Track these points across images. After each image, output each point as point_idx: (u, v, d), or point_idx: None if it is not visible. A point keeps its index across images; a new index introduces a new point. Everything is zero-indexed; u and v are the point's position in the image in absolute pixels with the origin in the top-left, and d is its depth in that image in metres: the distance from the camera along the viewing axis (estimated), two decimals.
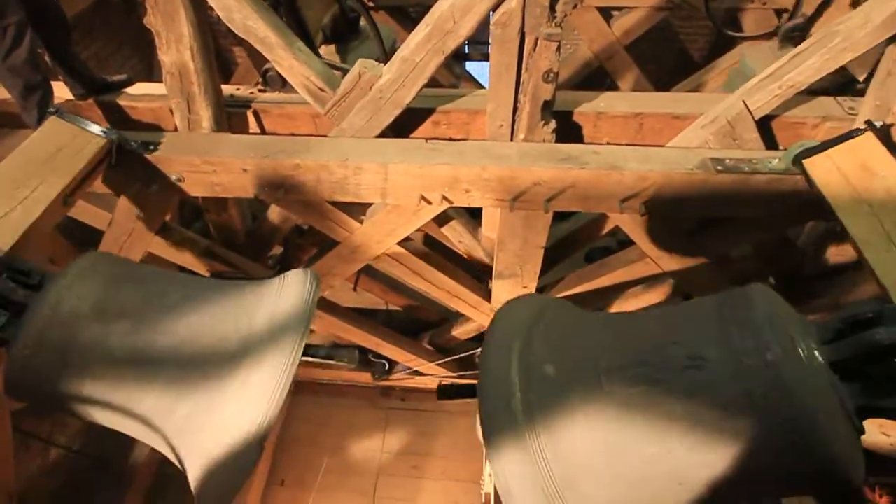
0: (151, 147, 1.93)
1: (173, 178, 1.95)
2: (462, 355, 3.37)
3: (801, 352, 1.14)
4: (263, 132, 2.26)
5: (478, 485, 3.90)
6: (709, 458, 1.21)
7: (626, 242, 2.78)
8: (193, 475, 1.37)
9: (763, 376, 1.11)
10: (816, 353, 1.17)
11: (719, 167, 1.78)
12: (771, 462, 1.15)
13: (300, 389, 4.76)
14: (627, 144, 2.03)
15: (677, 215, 1.99)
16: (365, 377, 3.84)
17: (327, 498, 4.20)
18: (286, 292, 1.50)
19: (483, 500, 3.51)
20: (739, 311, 1.24)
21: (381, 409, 4.74)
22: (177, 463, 1.43)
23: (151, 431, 1.44)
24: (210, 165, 1.90)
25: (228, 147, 1.91)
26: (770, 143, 2.05)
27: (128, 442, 4.13)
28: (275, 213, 2.57)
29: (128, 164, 1.94)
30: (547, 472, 1.31)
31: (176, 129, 2.09)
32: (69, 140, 1.80)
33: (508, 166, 1.83)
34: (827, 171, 1.67)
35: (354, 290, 3.28)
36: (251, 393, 1.31)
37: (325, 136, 2.07)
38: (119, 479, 4.14)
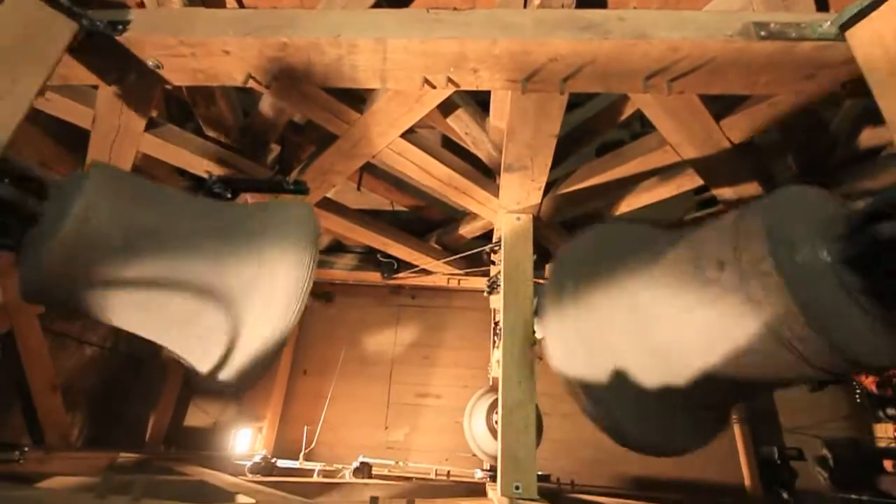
0: (120, 27, 1.72)
1: (150, 63, 1.77)
2: (470, 253, 3.39)
3: (798, 257, 1.20)
4: (241, 5, 2.00)
5: (485, 371, 4.19)
6: (717, 359, 1.34)
7: (641, 135, 2.61)
8: (213, 367, 1.48)
9: (762, 284, 1.20)
10: (825, 252, 1.20)
11: (762, 33, 1.56)
12: (774, 359, 1.26)
13: (315, 290, 4.93)
14: (658, 9, 1.77)
15: (708, 94, 1.81)
16: (375, 276, 3.92)
17: (347, 383, 4.57)
18: (293, 219, 1.65)
19: (490, 383, 3.79)
20: (749, 223, 1.31)
21: (392, 307, 4.94)
22: (194, 361, 1.53)
23: (178, 336, 1.54)
24: (187, 47, 1.70)
25: (204, 23, 1.69)
26: (821, 4, 1.79)
27: None
28: (267, 105, 2.40)
29: (99, 49, 1.75)
30: (580, 334, 1.68)
31: (143, 6, 1.85)
32: (35, 23, 1.61)
33: (521, 39, 1.62)
34: (870, 40, 1.47)
35: (358, 189, 3.19)
36: (274, 307, 1.46)
37: (312, 8, 1.83)
38: (152, 374, 4.50)
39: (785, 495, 2.89)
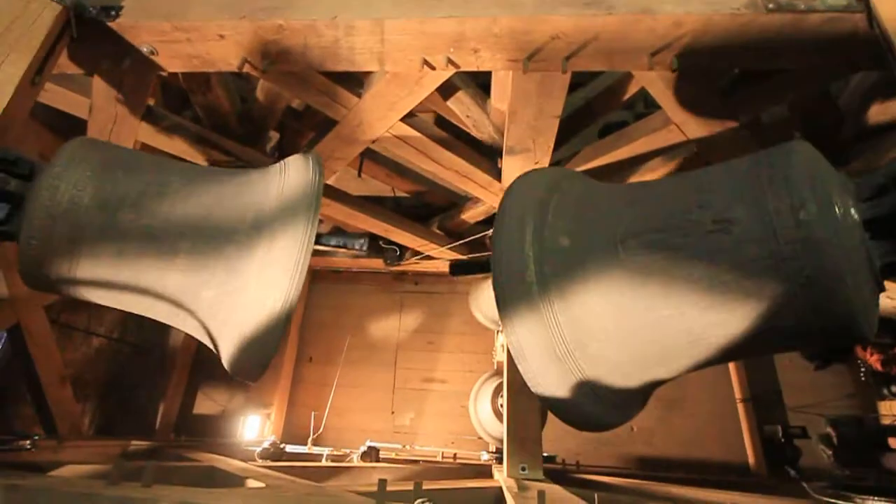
0: (112, 13, 1.69)
1: (144, 50, 1.74)
2: (473, 238, 3.38)
3: (836, 210, 1.09)
4: None
5: (490, 355, 4.21)
6: (724, 317, 1.21)
7: (644, 115, 2.57)
8: (226, 352, 1.43)
9: (793, 236, 1.07)
10: (853, 210, 1.11)
11: (770, 5, 1.52)
12: (787, 321, 1.15)
13: (318, 278, 4.95)
14: None
15: (714, 69, 1.77)
16: (378, 263, 3.92)
17: (353, 370, 4.61)
18: (291, 175, 1.47)
19: (495, 367, 3.81)
20: (776, 169, 1.17)
21: (396, 293, 4.95)
22: (208, 342, 1.49)
23: (179, 314, 1.48)
24: (182, 32, 1.67)
25: (198, 7, 1.65)
26: None
27: (165, 328, 4.44)
28: (264, 91, 2.36)
29: (92, 36, 1.72)
30: (559, 335, 1.35)
31: None
32: (21, 9, 1.58)
33: (522, 16, 1.58)
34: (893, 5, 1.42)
35: (359, 175, 3.17)
36: (273, 272, 1.32)
37: None
38: (161, 363, 4.54)
39: (790, 473, 2.91)
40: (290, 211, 1.38)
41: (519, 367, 1.38)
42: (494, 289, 1.44)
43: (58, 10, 1.62)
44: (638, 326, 1.31)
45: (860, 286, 1.10)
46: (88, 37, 1.71)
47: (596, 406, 1.40)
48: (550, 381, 1.37)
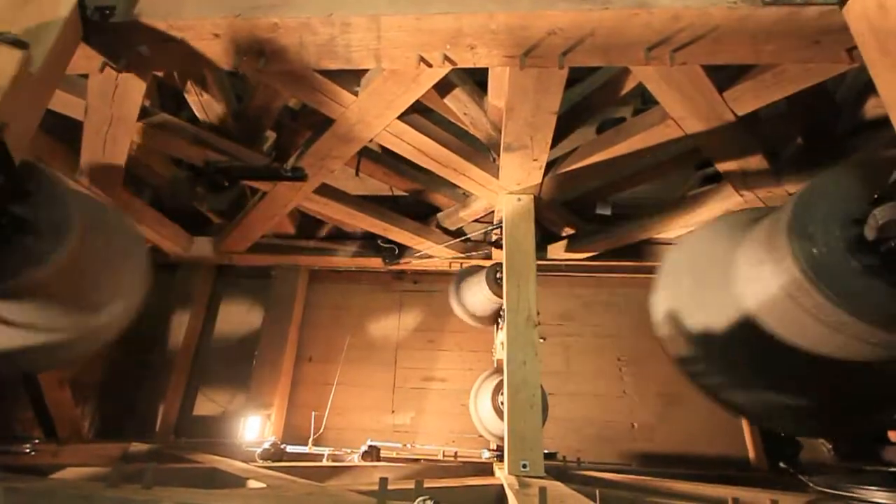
0: (107, 12, 1.68)
1: (140, 49, 1.73)
2: (471, 236, 3.37)
3: (815, 249, 1.20)
4: None
5: (490, 353, 4.21)
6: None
7: (642, 111, 2.57)
8: None
9: (788, 281, 1.24)
10: (841, 238, 1.20)
11: None
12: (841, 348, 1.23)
13: (317, 278, 4.93)
14: None
15: (711, 64, 1.77)
16: (377, 262, 3.92)
17: (353, 369, 4.60)
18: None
19: (495, 365, 3.80)
20: (776, 221, 1.32)
21: (395, 292, 4.93)
22: None
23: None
24: (177, 31, 1.66)
25: (192, 6, 1.65)
26: None
27: (163, 330, 4.43)
28: (260, 90, 2.35)
29: (87, 36, 1.71)
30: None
31: None
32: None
33: (518, 12, 1.57)
34: (861, 13, 1.43)
35: (357, 174, 3.16)
36: None
37: None
38: (159, 365, 4.53)
39: (789, 467, 2.92)
40: None
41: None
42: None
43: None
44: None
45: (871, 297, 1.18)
46: (84, 37, 1.70)
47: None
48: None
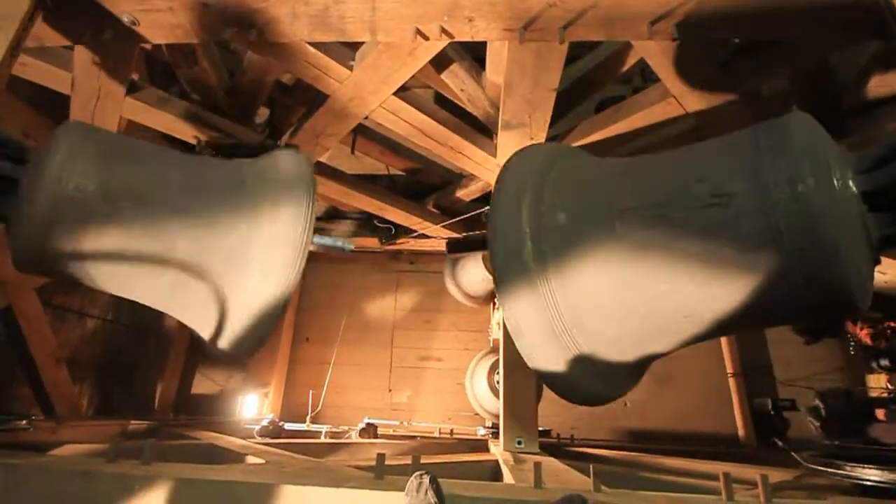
0: None
1: (125, 20, 1.67)
2: (468, 216, 3.35)
3: (835, 182, 1.08)
4: None
5: (486, 333, 4.24)
6: (720, 291, 1.21)
7: (642, 89, 2.52)
8: (225, 333, 1.45)
9: (791, 208, 1.06)
10: (851, 182, 1.10)
11: None
12: (783, 294, 1.15)
13: (313, 258, 4.91)
14: None
15: (714, 39, 1.72)
16: (373, 242, 3.90)
17: (350, 348, 4.63)
18: (283, 167, 1.54)
19: (491, 345, 3.83)
20: (775, 141, 1.15)
21: (392, 273, 4.94)
22: (201, 328, 1.49)
23: (176, 303, 1.49)
24: (164, 0, 1.60)
25: None
26: None
27: (159, 311, 4.42)
28: (253, 64, 2.29)
29: (71, 6, 1.65)
30: (556, 312, 1.35)
31: None
32: None
33: None
34: None
35: (353, 152, 3.11)
36: (274, 268, 1.40)
37: None
38: (157, 344, 4.54)
39: (782, 444, 2.98)
40: (286, 207, 1.44)
41: (516, 343, 1.39)
42: (492, 265, 1.44)
43: None
44: (635, 302, 1.31)
45: (855, 258, 1.10)
46: (67, 7, 1.64)
47: (593, 381, 1.42)
48: (548, 357, 1.38)
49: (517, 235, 1.37)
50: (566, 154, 1.61)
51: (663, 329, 1.35)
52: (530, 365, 1.42)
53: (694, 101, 2.11)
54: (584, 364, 1.38)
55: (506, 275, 1.38)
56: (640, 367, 1.52)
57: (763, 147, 1.16)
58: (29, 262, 1.36)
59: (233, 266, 1.39)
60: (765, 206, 1.09)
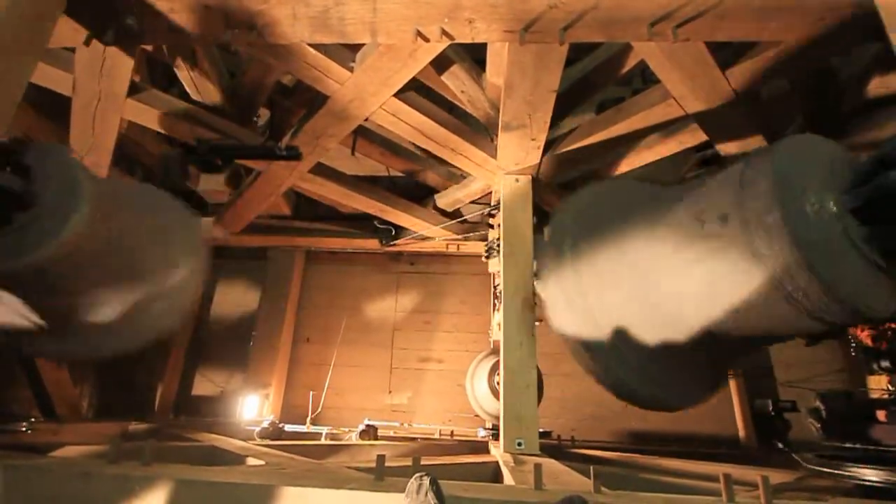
0: None
1: (127, 21, 1.67)
2: (468, 217, 3.35)
3: (807, 208, 1.17)
4: None
5: (486, 334, 4.23)
6: (723, 312, 1.32)
7: (642, 91, 2.52)
8: None
9: (767, 236, 1.17)
10: (831, 203, 1.17)
11: None
12: (777, 312, 1.25)
13: (314, 259, 4.91)
14: None
15: (714, 40, 1.73)
16: (374, 244, 3.90)
17: (350, 349, 4.62)
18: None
19: (491, 346, 3.83)
20: (755, 173, 1.26)
21: (392, 274, 4.93)
22: None
23: None
24: (165, 2, 1.61)
25: None
26: None
27: None
28: (253, 65, 2.29)
29: (72, 7, 1.65)
30: (581, 293, 1.66)
31: None
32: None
33: None
34: None
35: (353, 153, 3.11)
36: None
37: None
38: (157, 346, 4.53)
39: (783, 445, 2.98)
40: None
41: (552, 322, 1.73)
42: (538, 270, 2.04)
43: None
44: (640, 301, 1.49)
45: (844, 272, 1.15)
46: (70, 10, 1.64)
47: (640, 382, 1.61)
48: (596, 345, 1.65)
49: (560, 244, 1.78)
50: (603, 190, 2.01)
51: (672, 331, 1.48)
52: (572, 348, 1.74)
53: (694, 103, 2.11)
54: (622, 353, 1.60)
55: (547, 274, 1.79)
56: (684, 378, 1.66)
57: (746, 180, 1.28)
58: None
59: None
60: (746, 236, 1.22)
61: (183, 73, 2.30)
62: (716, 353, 1.59)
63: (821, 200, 1.17)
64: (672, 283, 1.42)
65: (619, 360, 1.59)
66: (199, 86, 2.35)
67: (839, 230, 1.15)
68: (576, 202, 1.91)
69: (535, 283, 2.30)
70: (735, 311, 1.30)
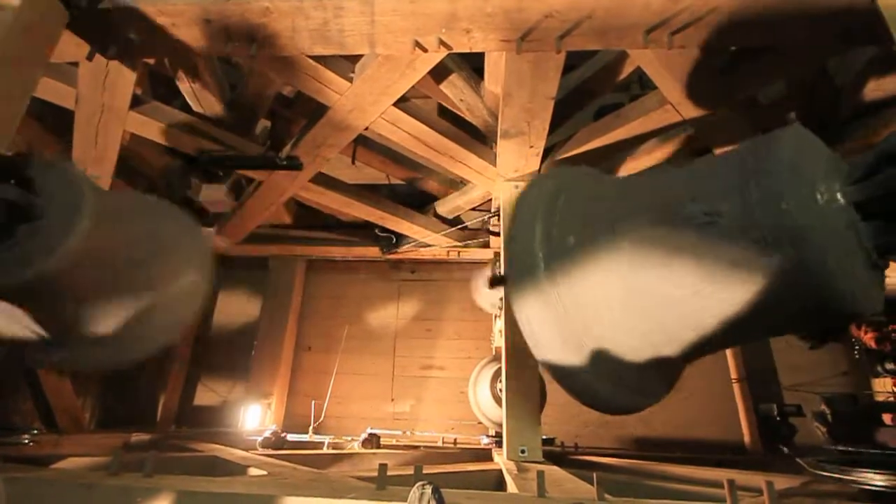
0: None
1: (130, 36, 1.70)
2: (469, 224, 3.36)
3: (818, 197, 1.12)
4: None
5: (488, 341, 4.23)
6: (717, 304, 1.26)
7: (640, 97, 2.54)
8: None
9: (774, 224, 1.10)
10: (839, 195, 1.14)
11: None
12: (778, 305, 1.19)
13: (315, 268, 4.93)
14: None
15: (710, 47, 1.74)
16: (375, 252, 3.91)
17: (352, 358, 4.62)
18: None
19: (494, 353, 3.82)
20: (761, 162, 1.20)
21: (393, 282, 4.94)
22: None
23: None
24: (167, 17, 1.63)
25: None
26: None
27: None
28: (254, 77, 2.32)
29: (76, 23, 1.68)
30: (568, 323, 1.44)
31: None
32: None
33: None
34: None
35: (353, 163, 3.14)
36: None
37: None
38: (160, 356, 4.54)
39: (789, 450, 2.96)
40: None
41: (534, 352, 1.48)
42: (507, 286, 1.54)
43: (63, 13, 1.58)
44: (638, 312, 1.38)
45: (849, 268, 1.12)
46: (72, 25, 1.67)
47: (614, 390, 1.49)
48: (565, 366, 1.46)
49: (531, 257, 1.49)
50: (576, 176, 1.69)
51: (669, 339, 1.40)
52: (551, 375, 1.50)
53: (691, 109, 2.13)
54: (600, 369, 1.44)
55: (521, 293, 1.49)
56: (662, 378, 1.56)
57: (749, 166, 1.22)
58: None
59: None
60: (751, 224, 1.14)
61: (184, 86, 2.33)
62: (704, 349, 1.52)
63: (829, 191, 1.11)
64: (660, 277, 1.33)
65: (595, 373, 1.51)
66: (200, 98, 2.38)
67: (845, 222, 1.10)
68: (533, 199, 1.60)
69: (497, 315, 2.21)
70: (730, 305, 1.24)
